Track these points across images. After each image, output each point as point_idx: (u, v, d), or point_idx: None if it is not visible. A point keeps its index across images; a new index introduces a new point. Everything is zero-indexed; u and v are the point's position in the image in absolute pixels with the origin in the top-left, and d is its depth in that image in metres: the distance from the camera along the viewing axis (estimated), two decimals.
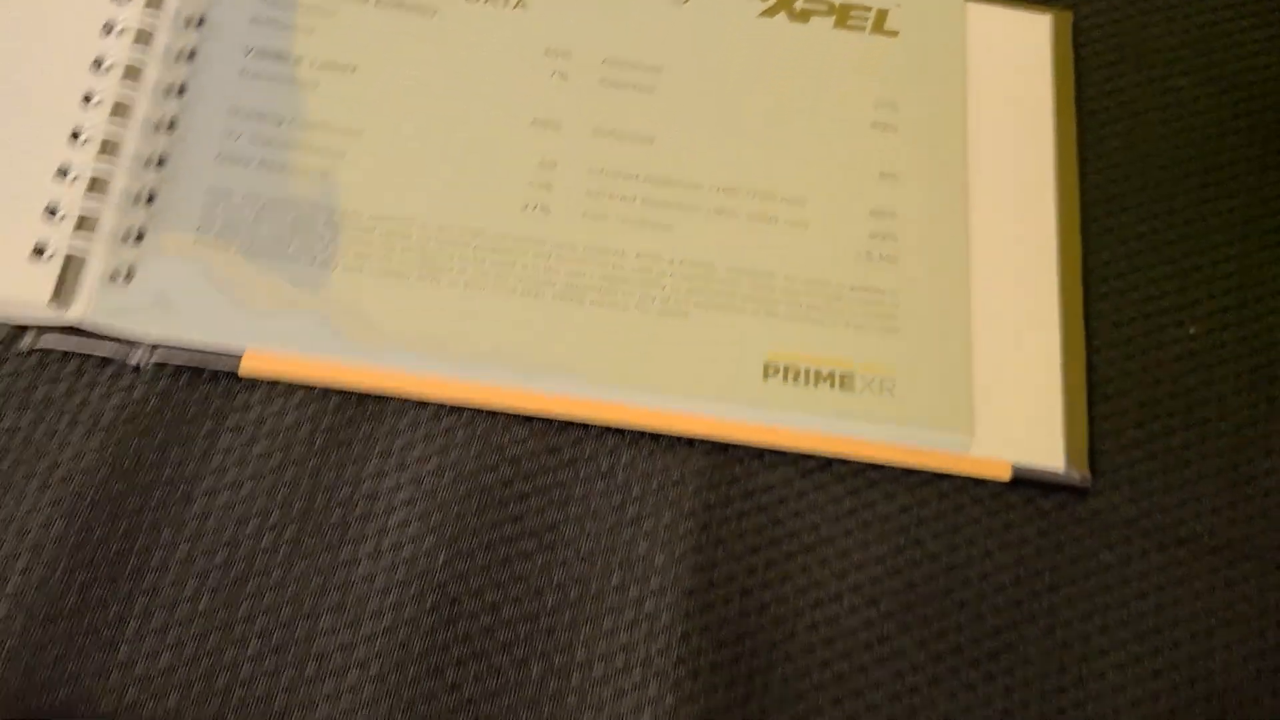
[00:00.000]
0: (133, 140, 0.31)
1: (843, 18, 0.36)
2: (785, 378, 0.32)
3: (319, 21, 0.34)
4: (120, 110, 0.31)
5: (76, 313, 0.30)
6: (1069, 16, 0.37)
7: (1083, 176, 0.36)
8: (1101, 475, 0.32)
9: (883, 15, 0.36)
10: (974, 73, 0.35)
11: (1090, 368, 0.34)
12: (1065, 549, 0.32)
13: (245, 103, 0.32)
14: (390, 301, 0.31)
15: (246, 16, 0.33)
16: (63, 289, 0.30)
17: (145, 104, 0.32)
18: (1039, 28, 0.37)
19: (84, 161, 0.31)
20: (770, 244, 0.33)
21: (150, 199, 0.31)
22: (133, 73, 0.32)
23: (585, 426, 0.31)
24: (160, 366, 0.30)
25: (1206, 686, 0.31)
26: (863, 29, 0.36)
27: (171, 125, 0.32)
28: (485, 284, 0.32)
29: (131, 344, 0.30)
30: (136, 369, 0.30)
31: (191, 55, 0.33)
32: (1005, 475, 0.32)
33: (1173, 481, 0.33)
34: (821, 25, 0.36)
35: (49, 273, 0.30)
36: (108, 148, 0.31)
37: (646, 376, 0.31)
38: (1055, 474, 0.32)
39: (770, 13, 0.36)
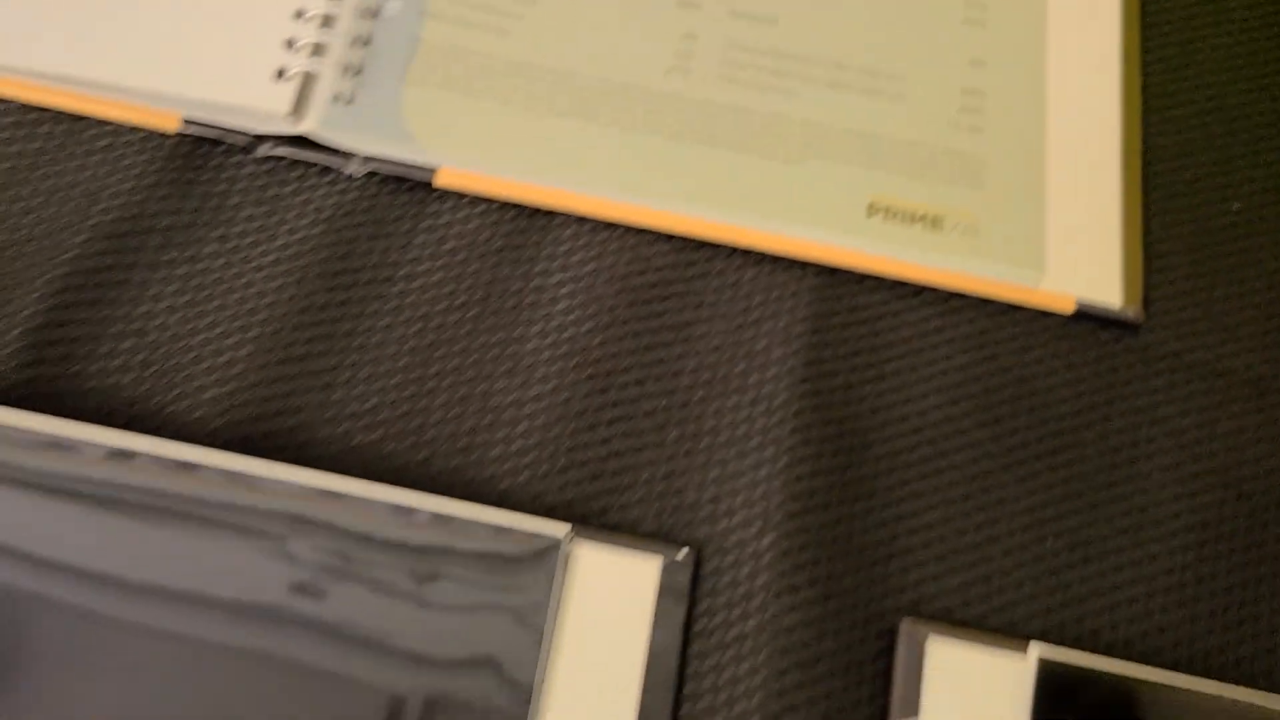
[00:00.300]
0: None
1: None
2: (885, 217, 0.38)
3: None
4: None
5: (306, 126, 0.36)
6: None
7: (1144, 75, 0.42)
8: (1153, 315, 0.38)
9: None
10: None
11: (1146, 230, 0.39)
12: (1119, 374, 0.37)
13: None
14: (559, 135, 0.37)
15: None
16: (297, 107, 0.36)
17: None
18: None
19: (316, 6, 0.37)
20: (875, 111, 0.39)
21: (368, 42, 0.38)
22: None
23: (716, 246, 0.37)
24: (370, 176, 0.37)
25: (1237, 490, 0.36)
26: None
27: None
28: (636, 126, 0.38)
29: (347, 156, 0.36)
30: (350, 177, 0.37)
31: None
32: (1069, 309, 0.37)
33: (1215, 324, 0.38)
34: None
35: (288, 91, 0.36)
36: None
37: (768, 209, 0.37)
38: (1113, 310, 0.37)
39: None
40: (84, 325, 0.34)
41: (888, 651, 0.33)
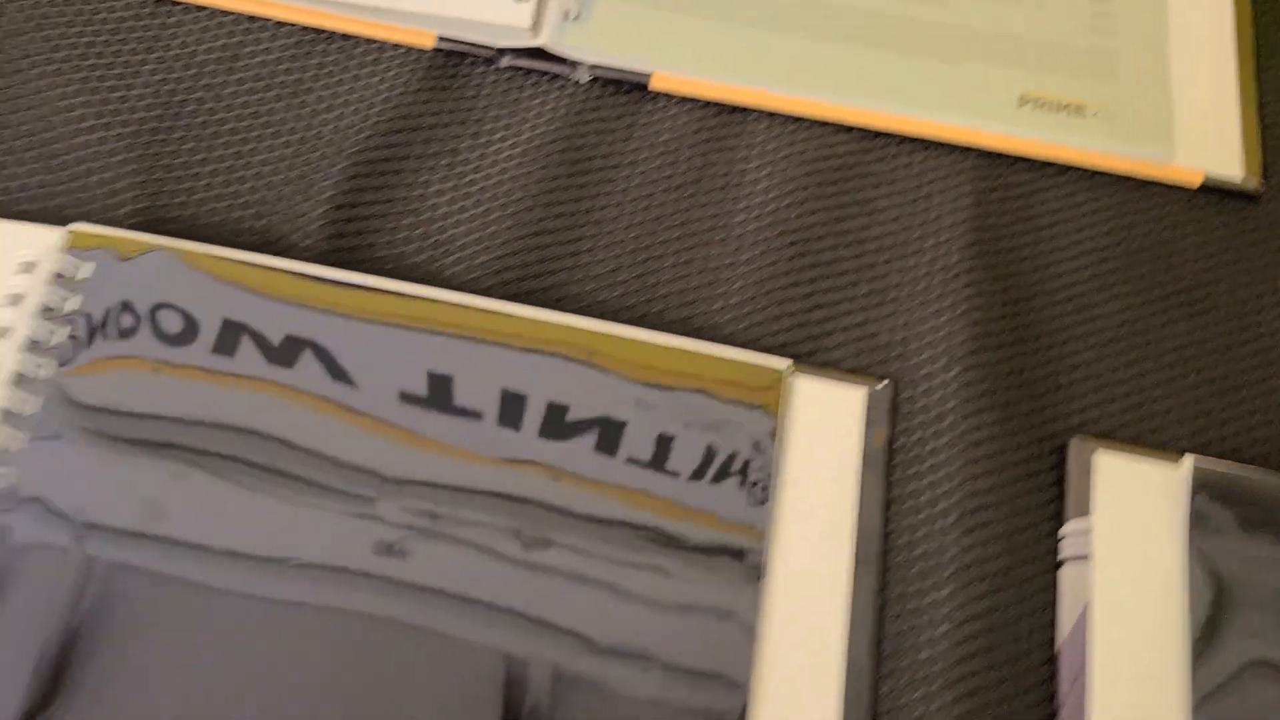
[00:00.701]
0: None
1: None
2: (1034, 107, 0.44)
3: None
4: None
5: (541, 40, 0.42)
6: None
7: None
8: (1272, 185, 0.44)
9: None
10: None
11: (1262, 110, 0.45)
12: (1242, 238, 0.43)
13: None
14: (753, 43, 0.44)
15: None
16: (534, 23, 0.43)
17: None
18: None
19: None
20: (1020, 17, 0.45)
21: None
22: None
23: (889, 135, 0.43)
24: (594, 81, 0.43)
25: None
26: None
27: None
28: (817, 34, 0.44)
29: (575, 65, 0.43)
30: (578, 83, 0.43)
31: None
32: (1197, 182, 0.43)
33: None
34: None
35: (527, 10, 0.43)
36: None
37: (934, 102, 0.43)
38: (1235, 182, 0.43)
39: None
40: (372, 205, 0.40)
41: (1060, 464, 0.39)
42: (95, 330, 0.35)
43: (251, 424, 0.35)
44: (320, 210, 0.40)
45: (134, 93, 0.41)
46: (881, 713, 0.34)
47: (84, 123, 0.40)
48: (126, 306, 0.36)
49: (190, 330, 0.36)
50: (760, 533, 0.36)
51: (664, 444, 0.36)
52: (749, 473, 0.36)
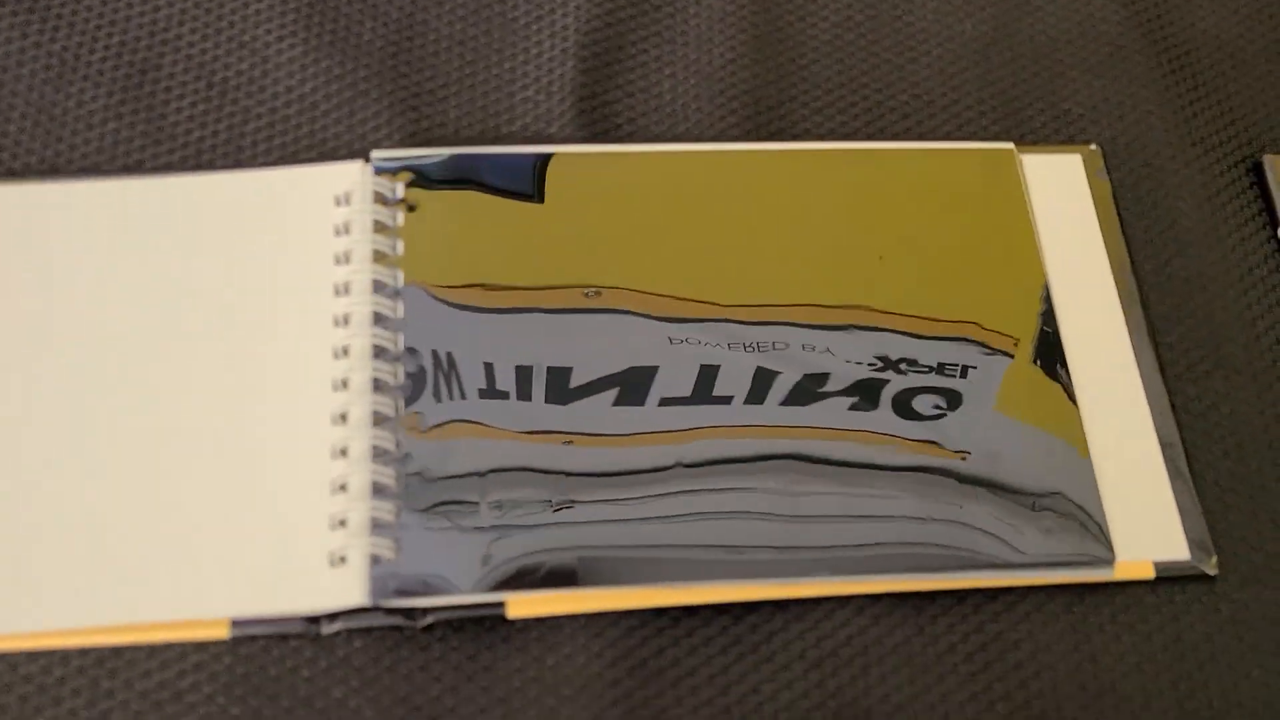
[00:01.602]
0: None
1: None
2: None
3: None
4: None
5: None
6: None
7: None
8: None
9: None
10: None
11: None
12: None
13: None
14: None
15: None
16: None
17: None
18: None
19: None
20: None
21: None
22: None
23: None
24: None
25: None
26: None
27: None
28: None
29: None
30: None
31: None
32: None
33: None
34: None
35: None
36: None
37: None
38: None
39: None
40: (609, 93, 0.44)
41: (1259, 180, 0.44)
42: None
43: None
44: (567, 104, 0.43)
45: (366, 40, 0.44)
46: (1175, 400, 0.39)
47: (332, 74, 0.43)
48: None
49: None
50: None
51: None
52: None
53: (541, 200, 0.40)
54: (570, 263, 0.39)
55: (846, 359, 0.38)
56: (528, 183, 0.40)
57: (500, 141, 0.42)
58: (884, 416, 0.38)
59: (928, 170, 0.42)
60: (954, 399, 0.38)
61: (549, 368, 0.37)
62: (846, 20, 0.46)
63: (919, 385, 0.38)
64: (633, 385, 0.37)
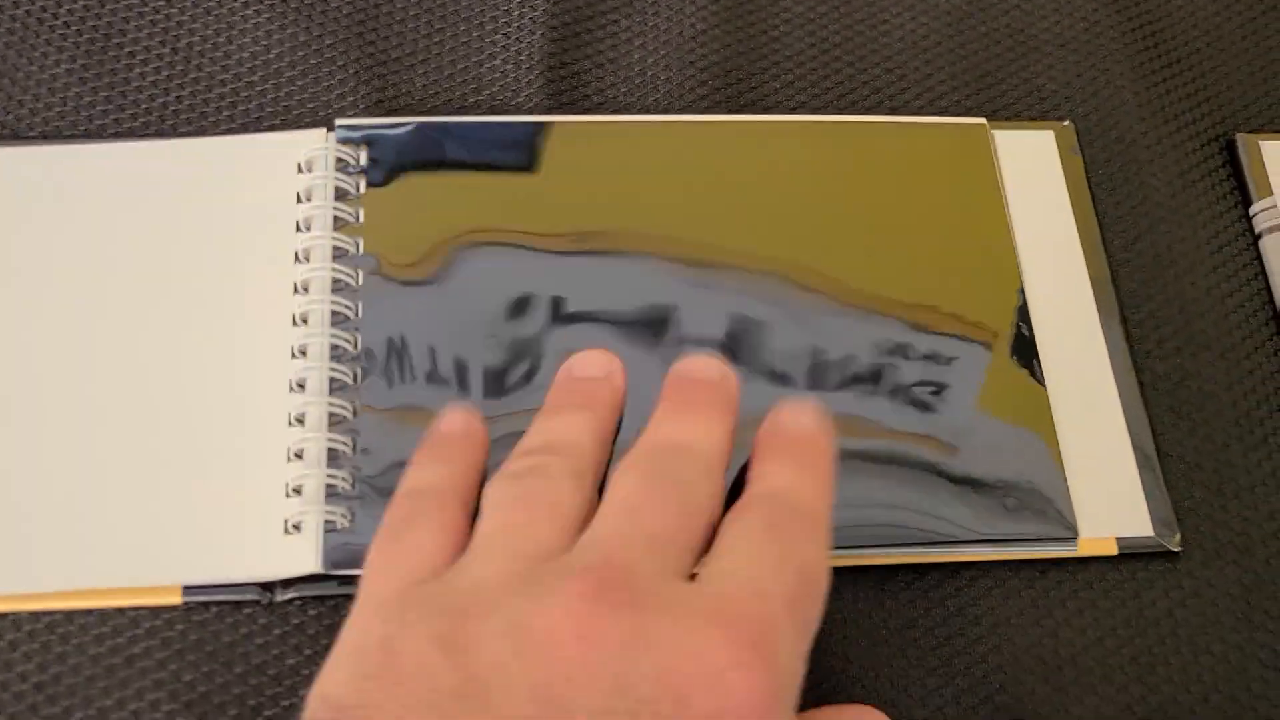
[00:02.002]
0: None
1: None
2: None
3: None
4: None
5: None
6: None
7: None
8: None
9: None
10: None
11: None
12: None
13: None
14: None
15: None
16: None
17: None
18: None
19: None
20: None
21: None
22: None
23: None
24: None
25: None
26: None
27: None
28: None
29: None
30: None
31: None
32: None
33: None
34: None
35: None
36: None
37: None
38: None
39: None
40: (579, 62, 0.43)
41: (1231, 159, 0.44)
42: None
43: None
44: (535, 74, 0.43)
45: (333, 6, 0.43)
46: (1144, 376, 0.39)
47: (298, 39, 0.42)
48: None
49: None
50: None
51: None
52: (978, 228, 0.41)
53: (511, 170, 0.40)
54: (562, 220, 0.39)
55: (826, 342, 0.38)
56: (492, 153, 0.40)
57: (466, 111, 0.42)
58: (857, 399, 0.37)
59: (900, 145, 0.42)
60: (937, 386, 0.38)
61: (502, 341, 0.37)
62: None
63: (908, 380, 0.38)
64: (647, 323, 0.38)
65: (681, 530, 0.26)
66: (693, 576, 0.25)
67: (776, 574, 0.25)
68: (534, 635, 0.23)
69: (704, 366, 0.29)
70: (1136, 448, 0.38)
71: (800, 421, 0.29)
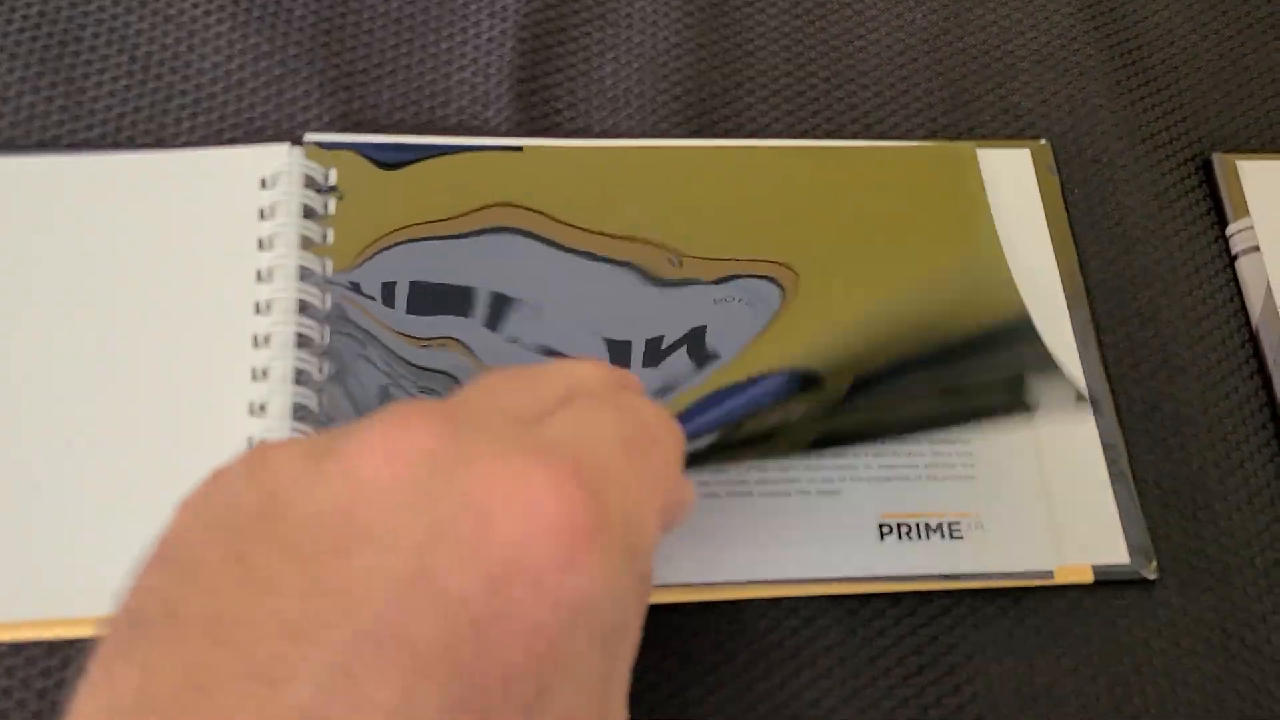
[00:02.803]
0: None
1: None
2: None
3: None
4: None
5: None
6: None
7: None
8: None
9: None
10: None
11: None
12: None
13: None
14: None
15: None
16: None
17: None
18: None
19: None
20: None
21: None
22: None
23: None
24: None
25: None
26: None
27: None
28: None
29: None
30: None
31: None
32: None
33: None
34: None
35: None
36: None
37: None
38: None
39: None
40: (550, 75, 0.42)
41: (1207, 179, 0.43)
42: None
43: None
44: (505, 88, 0.42)
45: (298, 16, 0.42)
46: (1119, 400, 0.39)
47: (261, 50, 0.41)
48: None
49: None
50: None
51: None
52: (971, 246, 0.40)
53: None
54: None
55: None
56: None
57: (434, 125, 0.41)
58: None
59: (885, 169, 0.41)
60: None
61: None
62: (795, 5, 0.45)
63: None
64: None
65: (528, 401, 0.24)
66: None
67: (616, 424, 0.23)
68: (343, 455, 0.21)
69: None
70: (1112, 473, 0.38)
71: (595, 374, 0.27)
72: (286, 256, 0.36)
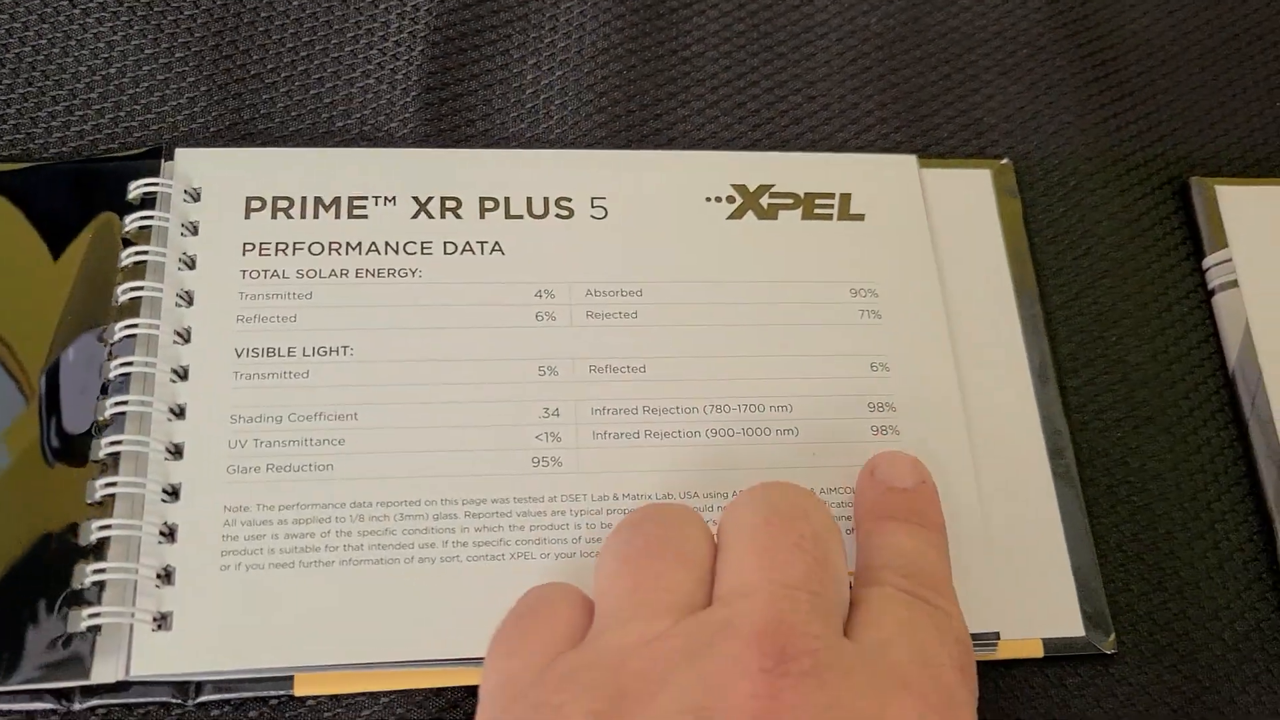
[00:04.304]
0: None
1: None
2: None
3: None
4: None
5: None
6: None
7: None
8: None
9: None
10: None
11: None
12: None
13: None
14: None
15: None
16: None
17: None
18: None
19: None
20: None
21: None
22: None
23: None
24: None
25: None
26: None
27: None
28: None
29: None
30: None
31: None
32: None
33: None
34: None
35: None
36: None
37: None
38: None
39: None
40: (461, 83, 0.39)
41: (1185, 204, 0.39)
42: None
43: None
44: (412, 95, 0.38)
45: (186, 15, 0.38)
46: (1080, 452, 0.35)
47: (144, 53, 0.37)
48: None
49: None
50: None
51: None
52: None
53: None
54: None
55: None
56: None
57: (332, 136, 0.37)
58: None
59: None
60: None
61: None
62: (739, 8, 0.41)
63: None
64: None
65: (823, 584, 0.25)
66: None
67: (941, 645, 0.25)
68: (718, 716, 0.21)
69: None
70: (1069, 535, 0.34)
71: (902, 474, 0.30)
72: (156, 288, 0.33)
